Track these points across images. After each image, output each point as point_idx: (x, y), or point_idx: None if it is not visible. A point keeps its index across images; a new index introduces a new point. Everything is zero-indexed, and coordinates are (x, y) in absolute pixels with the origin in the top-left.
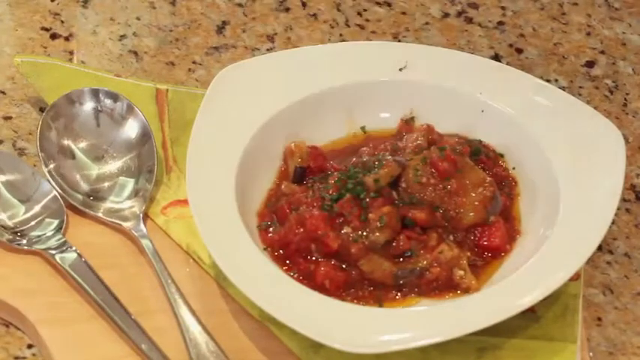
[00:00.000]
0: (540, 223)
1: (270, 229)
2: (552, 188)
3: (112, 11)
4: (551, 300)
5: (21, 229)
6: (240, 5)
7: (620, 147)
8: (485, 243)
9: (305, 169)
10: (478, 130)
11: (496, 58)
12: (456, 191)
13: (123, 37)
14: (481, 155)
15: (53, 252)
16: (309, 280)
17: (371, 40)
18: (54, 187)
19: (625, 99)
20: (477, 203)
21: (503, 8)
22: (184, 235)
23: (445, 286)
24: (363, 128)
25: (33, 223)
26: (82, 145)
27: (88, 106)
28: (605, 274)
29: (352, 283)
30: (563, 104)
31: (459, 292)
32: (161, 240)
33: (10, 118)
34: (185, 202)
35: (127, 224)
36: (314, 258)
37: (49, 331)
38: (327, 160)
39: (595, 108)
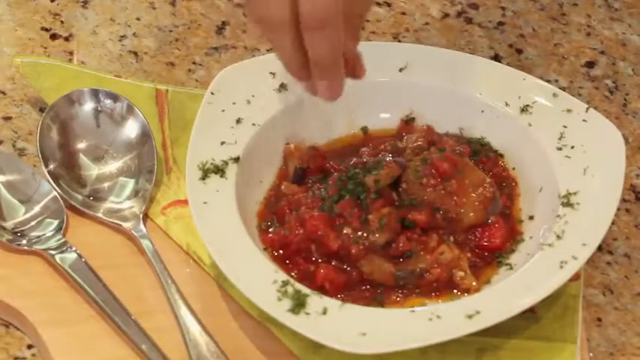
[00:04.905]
0: (540, 224)
1: (270, 229)
2: (552, 188)
3: (111, 12)
4: (551, 300)
5: (21, 229)
6: (240, 6)
7: (620, 147)
8: (486, 243)
9: (305, 170)
10: (478, 130)
11: (496, 58)
12: (456, 192)
13: (123, 37)
14: (481, 156)
15: (53, 252)
16: (309, 281)
17: (371, 40)
18: (54, 188)
19: (625, 99)
20: (476, 204)
21: (503, 9)
22: (184, 236)
23: (445, 287)
24: (363, 128)
25: (33, 223)
26: (82, 145)
27: (88, 106)
28: (605, 274)
29: (352, 284)
30: (563, 104)
31: (459, 292)
32: (161, 240)
33: (10, 118)
34: (185, 202)
35: (127, 224)
36: (314, 259)
37: (49, 331)
38: (327, 160)
39: (595, 108)
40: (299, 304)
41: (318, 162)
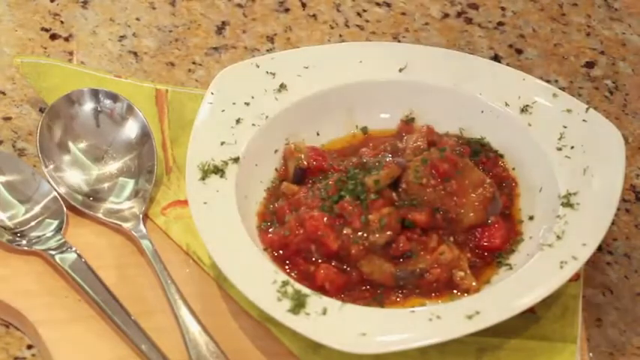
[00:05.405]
0: (540, 224)
1: (270, 229)
2: (552, 188)
3: (111, 12)
4: (551, 300)
5: (21, 229)
6: (239, 6)
7: (620, 147)
8: (486, 244)
9: (305, 170)
10: (478, 130)
11: (496, 58)
12: (456, 192)
13: (123, 37)
14: (481, 156)
15: (53, 252)
16: (309, 281)
17: (371, 40)
18: (54, 188)
19: (625, 99)
20: (476, 204)
21: (503, 9)
22: (184, 236)
23: (445, 287)
24: (363, 129)
25: (33, 223)
26: (82, 145)
27: (88, 106)
28: (605, 274)
29: (352, 285)
30: (563, 104)
31: (459, 292)
32: (161, 240)
33: (9, 118)
34: (185, 202)
35: (126, 225)
36: (314, 259)
37: (48, 331)
38: (327, 160)
39: (595, 108)
40: (299, 304)
41: (318, 162)
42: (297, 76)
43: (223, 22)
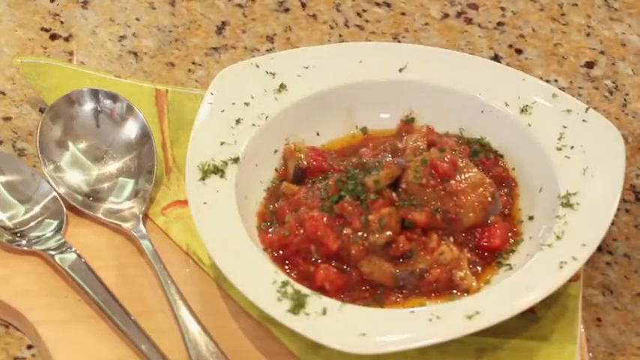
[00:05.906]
0: (540, 224)
1: (270, 229)
2: (552, 188)
3: (111, 12)
4: (550, 300)
5: (21, 229)
6: (239, 6)
7: (619, 147)
8: (485, 244)
9: (305, 170)
10: (478, 130)
11: (496, 58)
12: (456, 192)
13: (122, 37)
14: (481, 156)
15: (53, 253)
16: (308, 281)
17: (371, 40)
18: (54, 188)
19: (624, 99)
20: (476, 204)
21: (502, 9)
22: (184, 236)
23: (445, 287)
24: (363, 129)
25: (33, 223)
26: (82, 145)
27: (88, 106)
28: (605, 274)
29: (352, 285)
30: (563, 105)
31: (458, 293)
32: (161, 241)
33: (9, 118)
34: (185, 202)
35: (126, 225)
36: (314, 259)
37: (48, 331)
38: (326, 160)
39: (595, 108)
40: (298, 304)
41: (318, 162)
42: (297, 76)
43: (223, 22)
